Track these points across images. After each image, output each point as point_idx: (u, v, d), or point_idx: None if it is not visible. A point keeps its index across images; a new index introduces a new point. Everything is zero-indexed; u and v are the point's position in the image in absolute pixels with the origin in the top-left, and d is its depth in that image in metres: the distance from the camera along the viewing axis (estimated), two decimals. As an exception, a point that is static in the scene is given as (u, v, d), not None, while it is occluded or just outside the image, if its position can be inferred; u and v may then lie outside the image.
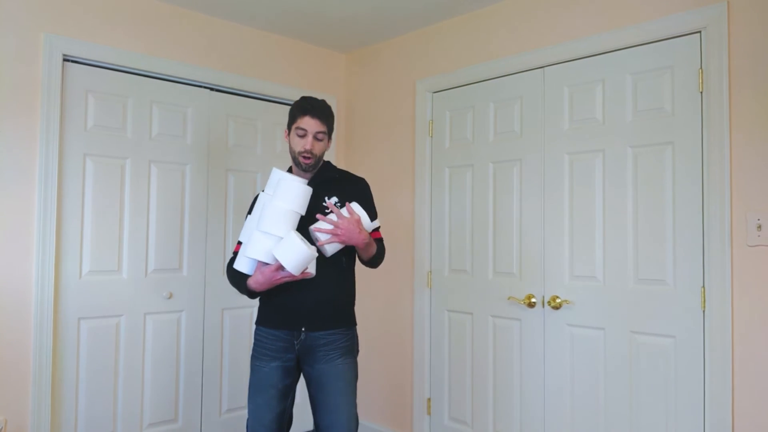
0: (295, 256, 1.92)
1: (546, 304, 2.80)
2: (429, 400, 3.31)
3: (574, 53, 2.73)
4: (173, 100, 3.16)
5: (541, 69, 2.87)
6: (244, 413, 3.39)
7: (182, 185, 3.19)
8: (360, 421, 3.66)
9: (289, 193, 2.05)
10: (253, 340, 2.28)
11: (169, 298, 3.11)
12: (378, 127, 3.69)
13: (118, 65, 2.95)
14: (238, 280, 2.17)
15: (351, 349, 2.21)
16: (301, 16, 3.29)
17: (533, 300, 2.84)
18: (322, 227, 2.04)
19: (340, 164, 3.83)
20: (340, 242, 2.06)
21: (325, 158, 2.33)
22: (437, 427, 3.26)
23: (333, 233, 2.03)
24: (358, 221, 2.07)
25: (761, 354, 2.18)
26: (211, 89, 3.32)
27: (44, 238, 2.68)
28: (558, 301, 2.74)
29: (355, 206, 2.12)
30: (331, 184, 2.25)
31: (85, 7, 2.85)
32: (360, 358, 3.70)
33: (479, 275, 3.10)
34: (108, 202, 2.93)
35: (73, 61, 2.83)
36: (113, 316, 2.94)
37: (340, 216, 2.05)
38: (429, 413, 3.30)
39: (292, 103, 3.61)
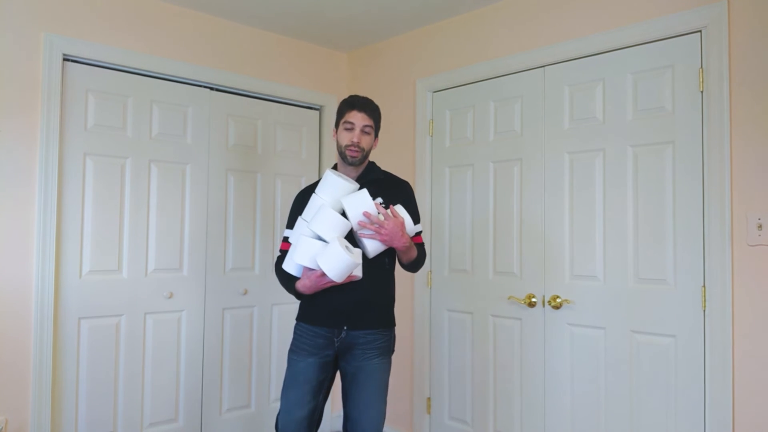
0: (337, 265, 1.97)
1: (546, 304, 2.80)
2: (429, 399, 3.31)
3: (575, 52, 2.73)
4: (173, 99, 3.16)
5: (542, 68, 2.87)
6: (245, 413, 3.40)
7: (182, 185, 3.19)
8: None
9: (338, 192, 2.11)
10: (292, 335, 2.32)
11: (170, 297, 3.11)
12: (378, 127, 3.69)
13: (118, 65, 2.95)
14: (287, 281, 2.24)
15: (388, 349, 2.27)
16: (301, 15, 3.29)
17: (533, 299, 2.84)
18: (368, 225, 2.08)
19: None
20: (382, 242, 2.11)
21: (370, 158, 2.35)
22: (437, 427, 3.26)
23: (377, 231, 2.08)
24: (402, 224, 2.12)
25: (762, 353, 2.18)
26: (212, 89, 3.32)
27: (44, 237, 2.68)
28: (558, 300, 2.74)
29: (399, 209, 2.16)
30: (376, 185, 2.28)
31: (85, 6, 2.85)
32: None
33: (479, 275, 3.10)
34: (108, 202, 2.93)
35: (73, 61, 2.83)
36: (113, 316, 2.94)
37: (386, 216, 2.08)
38: (429, 412, 3.30)
39: (292, 102, 3.66)
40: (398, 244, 2.12)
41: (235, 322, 3.37)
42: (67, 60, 2.81)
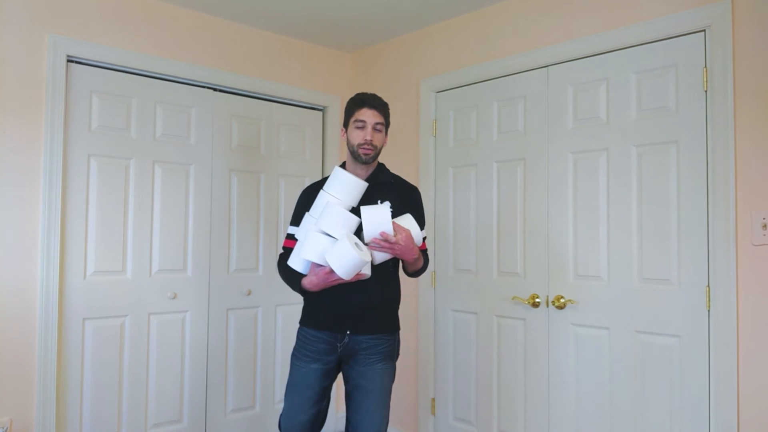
0: (346, 262, 1.93)
1: (550, 304, 2.80)
2: (433, 399, 3.30)
3: (578, 52, 2.73)
4: (177, 100, 3.17)
5: (545, 68, 2.87)
6: (249, 413, 3.40)
7: (186, 186, 3.19)
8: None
9: (347, 189, 2.08)
10: (296, 339, 2.29)
11: (174, 298, 3.12)
12: (381, 127, 3.69)
13: (122, 66, 2.96)
14: (292, 278, 2.19)
15: (392, 354, 2.24)
16: (304, 16, 3.29)
17: (538, 300, 2.83)
18: (382, 243, 2.03)
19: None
20: (394, 255, 2.10)
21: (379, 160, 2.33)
22: (442, 427, 3.26)
23: (390, 248, 2.04)
24: (411, 237, 2.07)
25: (766, 353, 2.17)
26: (215, 90, 3.32)
27: (49, 238, 2.69)
28: (562, 300, 2.73)
29: (408, 219, 2.13)
30: (386, 188, 2.25)
31: (89, 7, 2.86)
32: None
33: (483, 275, 3.09)
34: (112, 203, 2.93)
35: (77, 62, 2.84)
36: (118, 317, 2.94)
37: (399, 231, 2.04)
38: (433, 413, 3.30)
39: (295, 103, 3.66)
40: (408, 257, 2.11)
41: (239, 323, 3.37)
42: (71, 61, 2.82)
